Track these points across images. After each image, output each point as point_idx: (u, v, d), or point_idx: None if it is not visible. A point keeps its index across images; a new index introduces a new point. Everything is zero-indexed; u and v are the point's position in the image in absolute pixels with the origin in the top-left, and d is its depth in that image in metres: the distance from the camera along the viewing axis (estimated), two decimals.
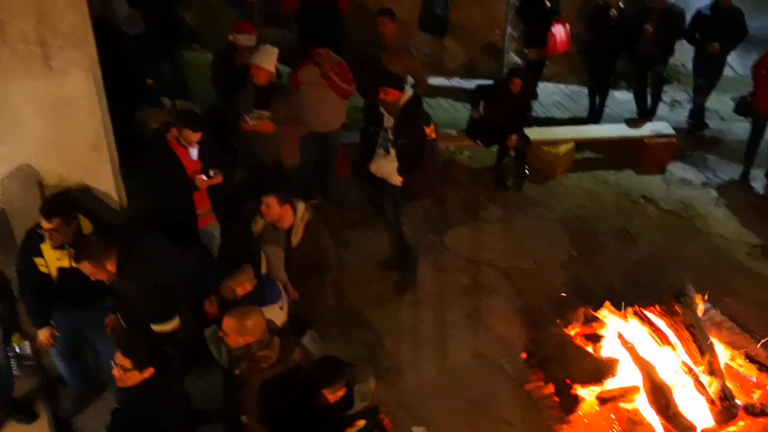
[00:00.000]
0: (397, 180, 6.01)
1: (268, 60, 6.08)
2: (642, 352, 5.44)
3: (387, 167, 6.00)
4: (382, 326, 6.15)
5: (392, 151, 5.93)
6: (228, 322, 3.90)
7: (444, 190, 7.61)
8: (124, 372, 3.70)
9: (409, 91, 5.96)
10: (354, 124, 7.64)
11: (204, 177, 5.33)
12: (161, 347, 3.97)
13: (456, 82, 10.34)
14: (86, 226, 4.55)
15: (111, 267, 4.32)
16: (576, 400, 5.28)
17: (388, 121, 5.93)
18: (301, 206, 5.03)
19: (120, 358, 3.69)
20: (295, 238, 5.00)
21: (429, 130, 5.95)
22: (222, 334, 3.96)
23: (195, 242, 5.60)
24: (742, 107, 8.44)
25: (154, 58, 7.78)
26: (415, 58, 7.57)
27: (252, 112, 6.01)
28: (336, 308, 6.10)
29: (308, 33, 7.69)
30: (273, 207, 4.89)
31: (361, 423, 3.24)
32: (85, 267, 4.26)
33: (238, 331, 3.88)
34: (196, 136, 5.26)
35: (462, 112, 9.23)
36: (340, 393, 3.73)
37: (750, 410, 5.18)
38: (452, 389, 5.59)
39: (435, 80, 9.94)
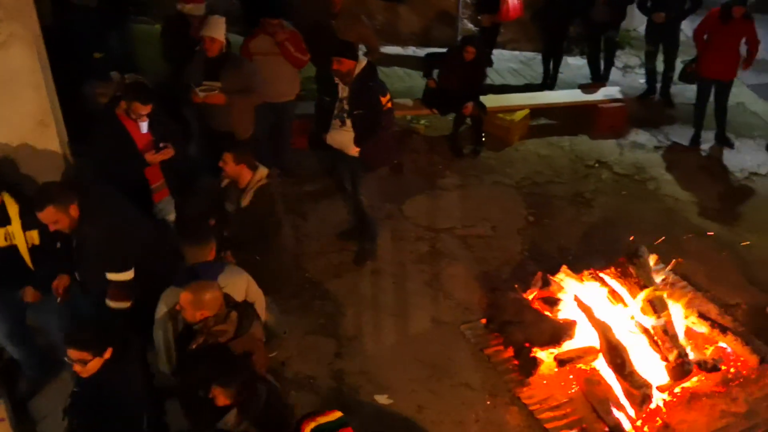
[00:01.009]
0: (353, 151, 5.97)
1: (220, 31, 5.99)
2: (598, 314, 5.55)
3: (343, 138, 5.95)
4: (342, 296, 6.16)
5: (348, 122, 5.88)
6: (185, 296, 3.85)
7: (401, 159, 7.62)
8: (85, 364, 3.62)
9: (363, 61, 5.89)
10: (309, 94, 7.56)
11: (154, 152, 5.25)
12: (116, 323, 3.91)
13: (411, 50, 10.29)
14: (10, 202, 4.44)
15: (74, 212, 4.27)
16: (535, 363, 5.36)
17: (343, 91, 5.87)
18: (262, 170, 5.02)
19: (75, 354, 3.61)
20: (245, 201, 5.00)
21: (385, 100, 5.91)
22: (179, 308, 3.91)
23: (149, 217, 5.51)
24: (685, 74, 8.54)
25: (101, 30, 7.55)
26: (367, 25, 7.49)
27: (202, 84, 5.91)
28: (296, 280, 6.12)
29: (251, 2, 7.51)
30: (229, 163, 4.94)
31: (338, 414, 3.13)
32: (48, 213, 4.18)
33: (195, 305, 3.83)
34: (145, 109, 5.15)
35: (418, 80, 9.19)
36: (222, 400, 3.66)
37: (703, 366, 5.33)
38: (414, 356, 5.62)
39: (390, 48, 9.88)
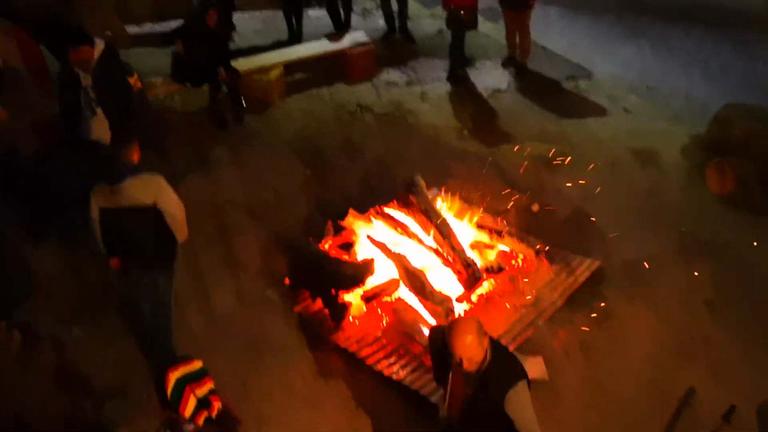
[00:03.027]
0: (111, 140, 5.62)
1: None
2: (392, 247, 5.82)
3: (98, 128, 5.58)
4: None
5: (99, 111, 5.51)
6: None
7: (164, 140, 7.29)
8: None
9: (100, 44, 5.52)
10: None
11: None
12: None
13: (147, 27, 9.78)
14: None
15: None
16: (344, 307, 5.51)
17: (86, 79, 5.48)
18: None
19: None
20: None
21: (133, 81, 5.64)
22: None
23: None
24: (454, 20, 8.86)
25: None
26: (112, 12, 7.01)
27: None
28: (76, 290, 5.75)
29: None
30: None
31: (199, 363, 3.09)
32: None
33: None
34: None
35: (161, 57, 8.78)
36: None
37: (491, 270, 5.83)
38: (226, 335, 5.54)
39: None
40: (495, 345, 3.58)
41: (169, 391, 2.99)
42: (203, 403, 3.04)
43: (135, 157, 4.89)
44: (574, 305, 5.77)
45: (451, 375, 3.51)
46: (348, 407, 4.99)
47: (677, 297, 5.88)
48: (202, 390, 3.03)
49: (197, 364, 3.06)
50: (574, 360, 5.35)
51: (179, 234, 4.88)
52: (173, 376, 3.00)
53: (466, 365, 3.39)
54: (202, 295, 5.90)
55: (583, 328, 5.58)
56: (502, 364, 3.52)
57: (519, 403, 3.47)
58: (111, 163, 4.80)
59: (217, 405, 3.09)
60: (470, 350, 3.36)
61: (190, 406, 3.01)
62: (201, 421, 3.05)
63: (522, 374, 3.54)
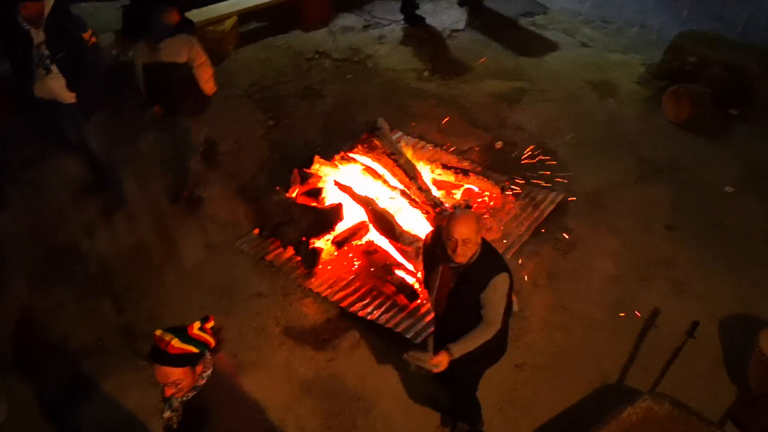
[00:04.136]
0: (69, 98, 5.50)
1: None
2: (359, 190, 5.84)
3: (53, 86, 5.44)
4: (103, 252, 5.82)
5: (53, 68, 5.37)
6: None
7: (121, 97, 7.14)
8: None
9: None
10: None
11: None
12: None
13: None
14: None
15: None
16: (316, 253, 5.55)
17: (38, 36, 5.31)
18: None
19: None
20: None
21: (87, 36, 5.49)
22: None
23: None
24: None
25: None
26: None
27: None
28: (43, 252, 5.70)
29: None
30: None
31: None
32: None
33: None
34: None
35: (110, 11, 8.57)
36: None
37: (457, 209, 5.89)
38: (198, 286, 5.55)
39: None
40: (485, 244, 3.71)
41: (205, 336, 3.14)
42: (205, 328, 3.17)
43: (174, 19, 5.55)
44: (541, 237, 5.90)
45: (441, 267, 3.67)
46: (325, 348, 5.07)
47: (638, 222, 6.05)
48: (210, 323, 3.20)
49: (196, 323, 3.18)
50: (542, 289, 5.49)
51: (207, 87, 5.72)
52: (195, 328, 3.13)
53: (459, 251, 3.52)
54: (171, 249, 5.88)
55: (549, 258, 5.72)
56: (487, 260, 3.66)
57: (496, 290, 3.62)
58: (153, 24, 5.51)
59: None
60: (467, 234, 3.49)
61: (209, 337, 3.17)
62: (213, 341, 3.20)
63: (505, 267, 3.69)
